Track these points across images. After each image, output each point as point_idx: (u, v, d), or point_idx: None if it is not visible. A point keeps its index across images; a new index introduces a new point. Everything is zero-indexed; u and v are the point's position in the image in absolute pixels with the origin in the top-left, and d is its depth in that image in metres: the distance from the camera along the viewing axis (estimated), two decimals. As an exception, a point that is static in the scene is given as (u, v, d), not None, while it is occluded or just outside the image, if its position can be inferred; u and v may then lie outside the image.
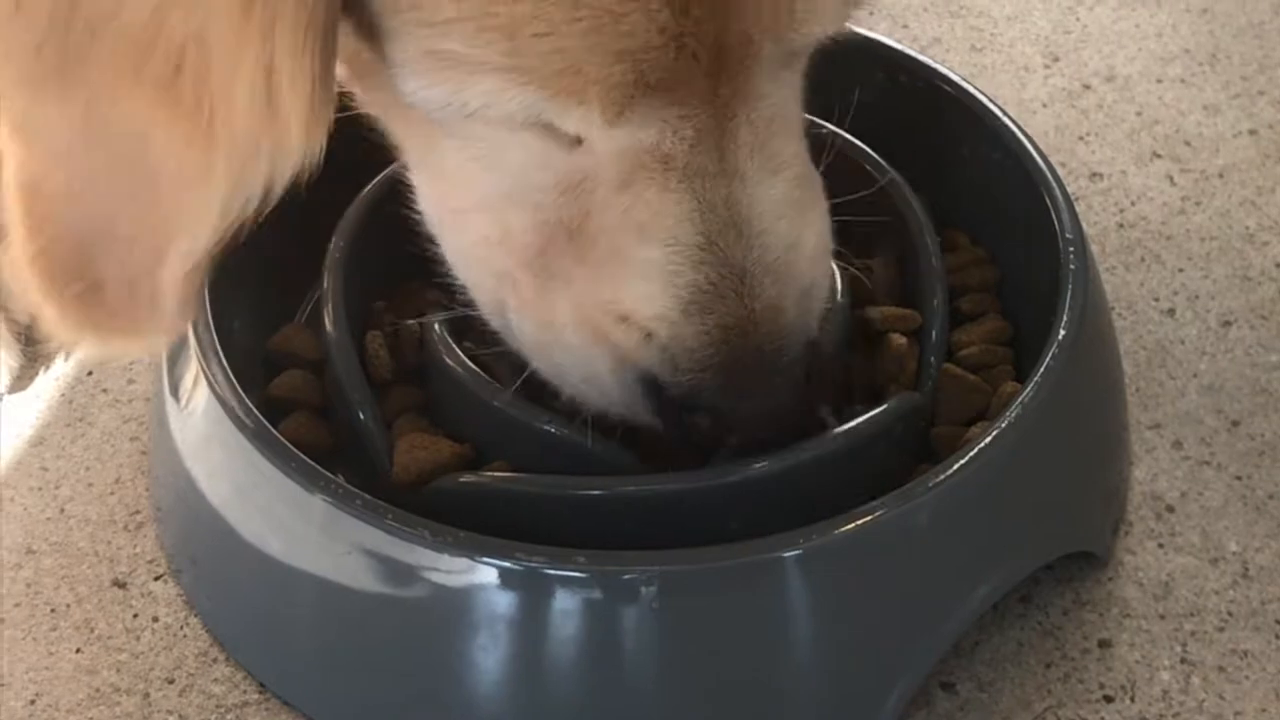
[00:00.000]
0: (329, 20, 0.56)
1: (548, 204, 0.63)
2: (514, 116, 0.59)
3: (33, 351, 0.88)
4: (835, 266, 0.72)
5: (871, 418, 0.72)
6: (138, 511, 0.81)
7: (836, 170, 0.85)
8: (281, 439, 0.71)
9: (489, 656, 0.67)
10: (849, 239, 0.85)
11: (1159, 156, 1.01)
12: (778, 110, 0.63)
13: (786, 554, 0.66)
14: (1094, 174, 1.00)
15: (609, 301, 0.64)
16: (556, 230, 0.64)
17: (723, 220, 0.62)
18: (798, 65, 0.64)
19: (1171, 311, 0.90)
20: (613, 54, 0.56)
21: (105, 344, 0.67)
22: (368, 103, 0.67)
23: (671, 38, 0.57)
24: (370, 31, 0.60)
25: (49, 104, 0.58)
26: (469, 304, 0.70)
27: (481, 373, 0.75)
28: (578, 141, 0.61)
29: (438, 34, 0.57)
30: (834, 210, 0.86)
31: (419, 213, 0.70)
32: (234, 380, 0.73)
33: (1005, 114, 0.84)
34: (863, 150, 0.85)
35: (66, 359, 0.89)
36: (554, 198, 0.63)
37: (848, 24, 0.62)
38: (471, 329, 0.79)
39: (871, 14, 1.09)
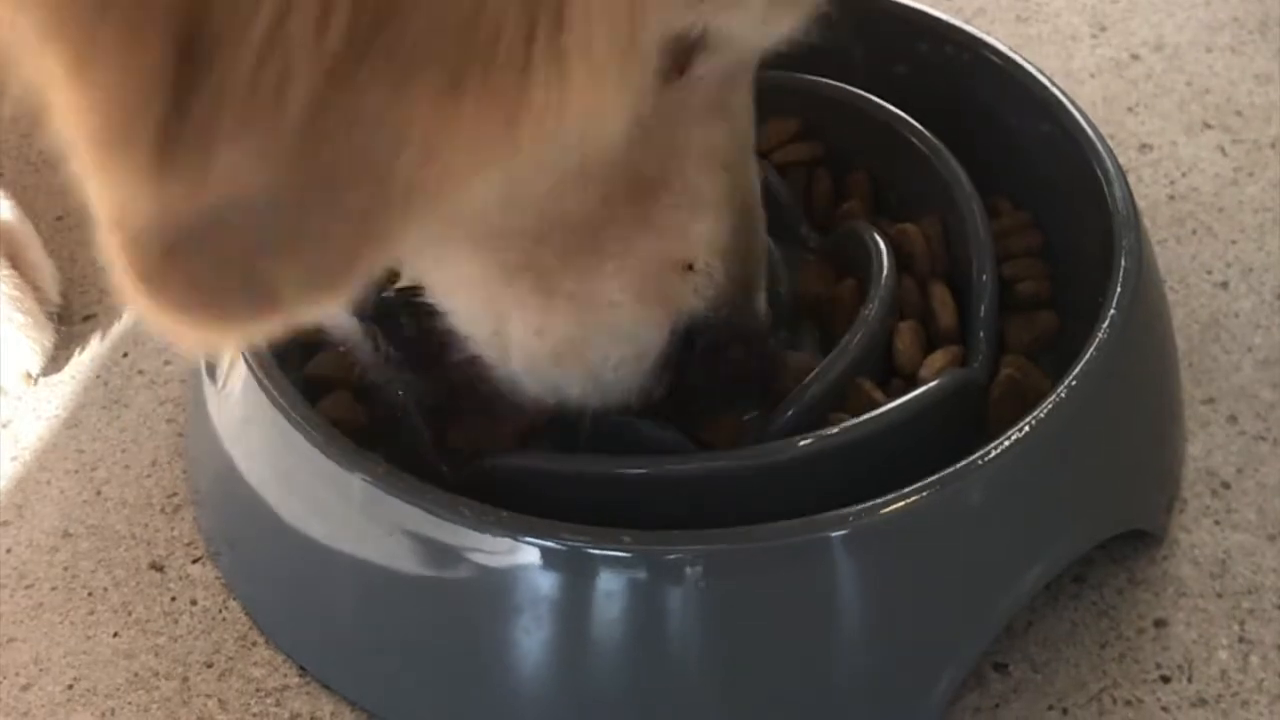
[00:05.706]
0: None
1: (633, 160, 0.60)
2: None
3: (67, 332, 0.88)
4: None
5: (922, 394, 0.71)
6: (175, 494, 0.80)
7: (880, 138, 0.84)
8: (320, 418, 0.70)
9: (532, 638, 0.66)
10: (893, 206, 0.85)
11: (1210, 127, 0.99)
12: None
13: (834, 534, 0.65)
14: (1143, 145, 0.98)
15: (674, 250, 0.65)
16: (625, 195, 0.63)
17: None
18: None
19: (1225, 284, 0.89)
20: None
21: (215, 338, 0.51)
22: None
23: None
24: None
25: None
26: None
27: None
28: (678, 73, 0.60)
29: None
30: (878, 178, 0.85)
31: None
32: (271, 360, 0.72)
33: (1054, 85, 0.82)
34: (905, 120, 0.83)
35: (103, 339, 0.88)
36: (640, 152, 0.60)
37: None
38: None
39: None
